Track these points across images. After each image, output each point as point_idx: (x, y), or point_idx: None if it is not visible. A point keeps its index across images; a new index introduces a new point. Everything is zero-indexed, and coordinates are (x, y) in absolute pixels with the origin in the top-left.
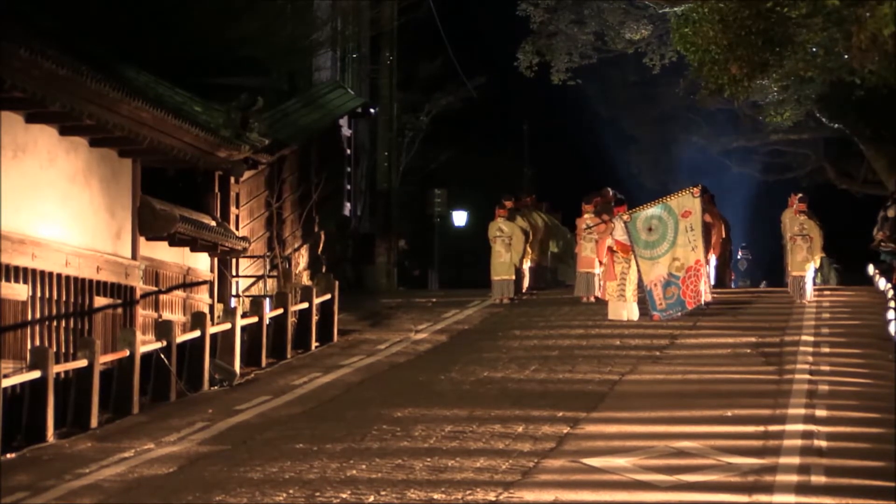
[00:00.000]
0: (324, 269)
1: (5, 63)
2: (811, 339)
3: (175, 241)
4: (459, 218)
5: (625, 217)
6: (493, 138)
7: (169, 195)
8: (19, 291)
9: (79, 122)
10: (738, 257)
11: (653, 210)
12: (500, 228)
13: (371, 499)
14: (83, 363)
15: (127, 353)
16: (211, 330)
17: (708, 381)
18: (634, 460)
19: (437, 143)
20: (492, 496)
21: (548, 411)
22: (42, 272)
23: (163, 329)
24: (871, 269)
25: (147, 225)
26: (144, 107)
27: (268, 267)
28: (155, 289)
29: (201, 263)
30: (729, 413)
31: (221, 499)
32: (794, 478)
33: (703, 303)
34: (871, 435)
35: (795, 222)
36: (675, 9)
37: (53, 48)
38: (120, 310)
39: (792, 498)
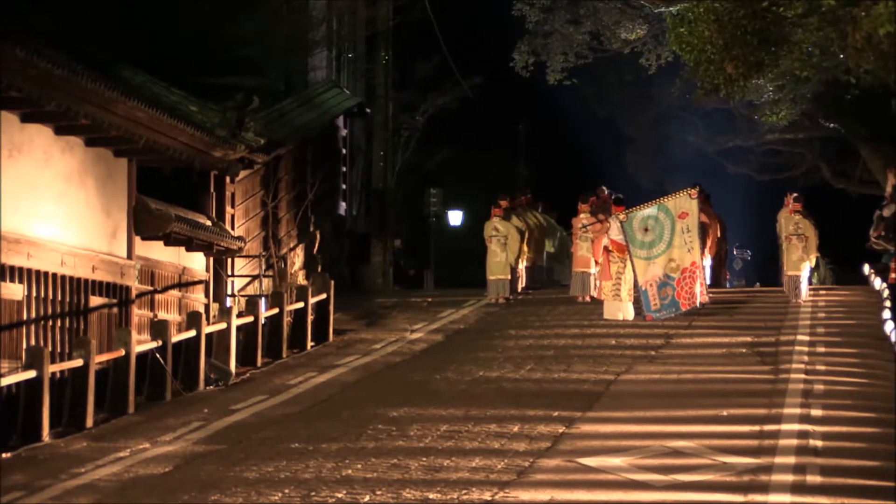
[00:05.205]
0: (319, 269)
1: (1, 62)
2: (807, 338)
3: (171, 241)
4: (455, 217)
5: (621, 217)
6: (488, 138)
7: (164, 195)
8: (15, 291)
9: (74, 121)
10: (734, 256)
11: (649, 210)
12: (495, 228)
13: (367, 498)
14: (79, 363)
15: (122, 352)
16: (206, 329)
17: (703, 380)
18: (630, 460)
19: (433, 143)
20: (487, 496)
21: (543, 411)
22: (38, 272)
23: (158, 329)
24: (866, 268)
25: (143, 224)
26: (140, 106)
27: (263, 266)
28: (150, 288)
29: (197, 263)
30: (724, 413)
31: (217, 498)
32: (789, 477)
33: (698, 304)
34: (866, 434)
35: (791, 222)
36: (671, 8)
37: (49, 47)
38: (115, 309)
39: (787, 497)
